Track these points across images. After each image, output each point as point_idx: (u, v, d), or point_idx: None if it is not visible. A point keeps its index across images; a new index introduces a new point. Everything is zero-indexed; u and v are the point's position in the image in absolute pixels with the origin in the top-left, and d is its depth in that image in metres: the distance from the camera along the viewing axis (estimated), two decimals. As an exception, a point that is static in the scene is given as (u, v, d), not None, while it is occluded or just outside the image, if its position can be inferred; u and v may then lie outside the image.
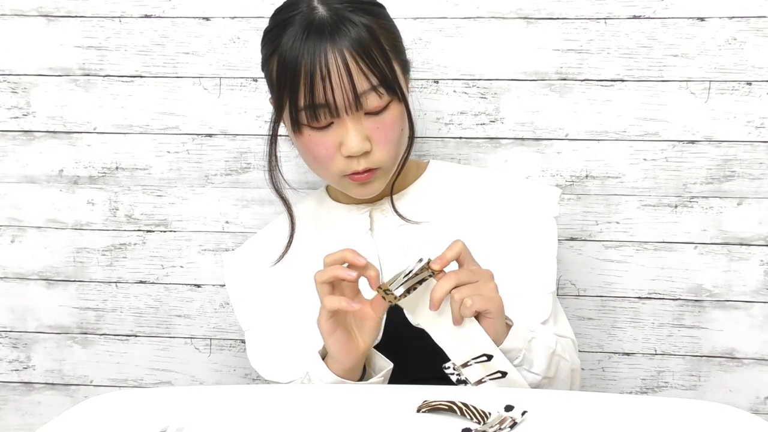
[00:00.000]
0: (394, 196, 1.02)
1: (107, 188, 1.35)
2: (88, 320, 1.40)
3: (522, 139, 1.28)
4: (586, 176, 1.28)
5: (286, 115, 0.93)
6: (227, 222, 1.34)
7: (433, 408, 0.79)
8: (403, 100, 0.94)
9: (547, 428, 0.76)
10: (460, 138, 1.28)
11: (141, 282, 1.38)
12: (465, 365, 0.87)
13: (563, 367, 0.96)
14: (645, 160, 1.27)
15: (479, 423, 0.76)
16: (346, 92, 0.88)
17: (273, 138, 0.99)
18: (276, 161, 1.01)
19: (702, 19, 1.22)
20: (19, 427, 1.44)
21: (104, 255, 1.37)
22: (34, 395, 1.43)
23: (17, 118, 1.34)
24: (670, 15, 1.22)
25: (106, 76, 1.31)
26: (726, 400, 1.27)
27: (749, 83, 1.23)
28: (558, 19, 1.24)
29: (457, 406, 0.78)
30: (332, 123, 0.91)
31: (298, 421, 0.78)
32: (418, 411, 0.79)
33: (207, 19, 1.28)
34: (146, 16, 1.29)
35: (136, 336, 1.40)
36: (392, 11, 1.00)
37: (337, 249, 0.91)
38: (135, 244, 1.36)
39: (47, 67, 1.32)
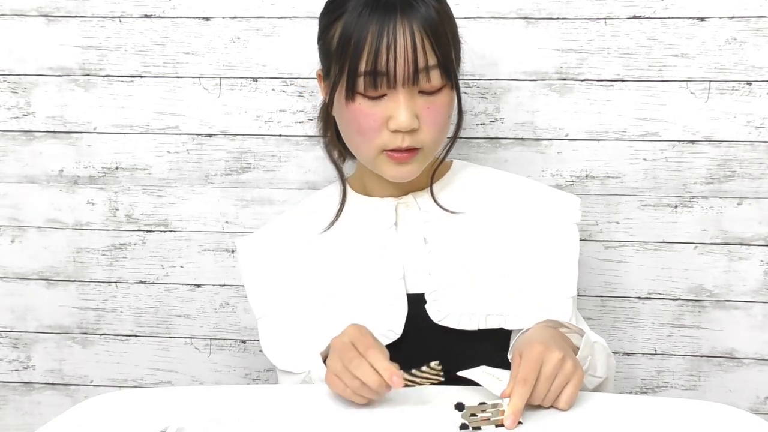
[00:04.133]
0: (419, 192, 1.03)
1: (107, 188, 1.35)
2: (88, 320, 1.40)
3: (522, 139, 1.28)
4: (586, 176, 1.28)
5: (343, 81, 0.92)
6: (227, 222, 1.34)
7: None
8: (456, 89, 0.95)
9: (547, 428, 0.76)
10: (460, 138, 1.28)
11: (141, 282, 1.38)
12: None
13: (612, 364, 0.97)
14: (645, 160, 1.27)
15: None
16: (408, 64, 0.89)
17: (329, 106, 0.98)
18: (330, 130, 1.03)
19: (702, 19, 1.22)
20: (19, 427, 1.44)
21: (104, 255, 1.37)
22: (34, 395, 1.43)
23: (17, 118, 1.34)
24: (670, 15, 1.22)
25: (106, 76, 1.31)
26: (726, 400, 1.27)
27: (749, 83, 1.23)
28: (558, 19, 1.24)
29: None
30: (385, 95, 0.92)
31: (298, 421, 0.78)
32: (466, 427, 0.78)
33: (207, 19, 1.28)
34: (146, 16, 1.29)
35: (136, 336, 1.40)
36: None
37: (362, 249, 0.96)
38: (135, 244, 1.36)
39: (47, 67, 1.32)
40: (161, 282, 1.37)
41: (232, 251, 1.35)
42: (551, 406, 0.80)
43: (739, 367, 1.32)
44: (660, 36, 1.23)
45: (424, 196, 1.03)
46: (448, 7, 0.96)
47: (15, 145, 1.35)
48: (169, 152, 1.33)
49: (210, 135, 1.32)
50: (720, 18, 1.22)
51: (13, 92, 1.33)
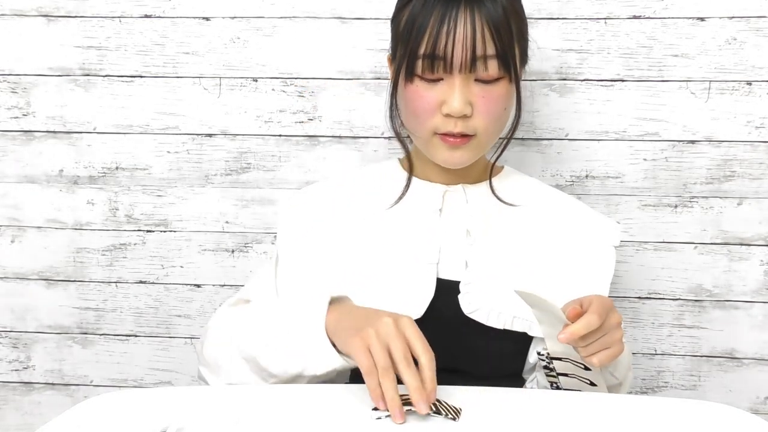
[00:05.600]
0: (470, 185, 1.05)
1: (107, 188, 1.35)
2: (88, 320, 1.40)
3: (522, 139, 1.28)
4: (586, 176, 1.28)
5: (404, 62, 0.94)
6: (227, 222, 1.34)
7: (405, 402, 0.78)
8: (515, 82, 0.96)
9: (547, 428, 0.76)
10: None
11: (141, 282, 1.38)
12: (560, 359, 0.89)
13: (630, 376, 0.99)
14: (645, 160, 1.27)
15: (453, 419, 0.77)
16: (466, 51, 0.91)
17: (394, 87, 0.99)
18: (396, 108, 1.03)
19: (702, 19, 1.22)
20: (19, 427, 1.44)
21: (104, 255, 1.37)
22: (34, 395, 1.43)
23: (17, 118, 1.34)
24: (670, 15, 1.22)
25: (106, 76, 1.31)
26: (726, 400, 1.27)
27: (749, 83, 1.23)
28: (558, 19, 1.24)
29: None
30: (442, 80, 0.94)
31: (298, 421, 0.78)
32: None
33: (207, 19, 1.28)
34: (146, 16, 1.29)
35: (136, 336, 1.40)
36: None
37: (403, 227, 0.98)
38: (135, 244, 1.36)
39: (47, 67, 1.32)
40: (161, 282, 1.37)
41: (233, 251, 1.35)
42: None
43: (739, 367, 1.32)
44: (660, 36, 1.23)
45: (475, 189, 1.04)
46: (519, 4, 0.97)
47: (15, 145, 1.35)
48: (169, 152, 1.33)
49: (210, 135, 1.32)
50: (720, 18, 1.22)
51: (13, 92, 1.33)
